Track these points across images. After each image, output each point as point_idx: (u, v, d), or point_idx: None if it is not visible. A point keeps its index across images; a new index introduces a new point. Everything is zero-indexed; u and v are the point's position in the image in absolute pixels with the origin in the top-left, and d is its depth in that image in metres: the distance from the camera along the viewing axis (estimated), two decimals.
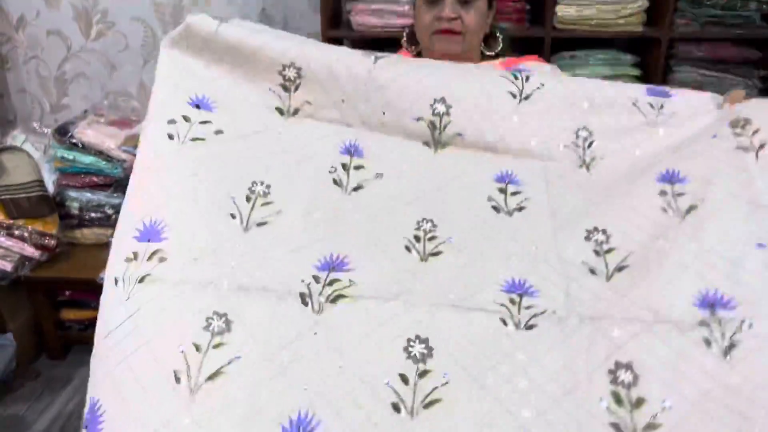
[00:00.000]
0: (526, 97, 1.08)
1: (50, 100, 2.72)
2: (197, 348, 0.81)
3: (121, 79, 2.66)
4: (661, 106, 1.09)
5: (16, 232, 2.23)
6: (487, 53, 1.38)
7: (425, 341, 0.83)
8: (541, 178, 1.05)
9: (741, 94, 1.10)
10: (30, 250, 2.24)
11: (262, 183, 0.99)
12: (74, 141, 2.30)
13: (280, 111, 1.08)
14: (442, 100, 1.07)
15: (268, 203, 0.98)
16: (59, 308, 2.35)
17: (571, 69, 2.15)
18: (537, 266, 0.93)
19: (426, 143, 1.07)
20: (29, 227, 2.24)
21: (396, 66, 1.10)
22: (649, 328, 0.84)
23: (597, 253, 0.94)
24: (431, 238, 0.95)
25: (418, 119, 1.07)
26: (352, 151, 1.05)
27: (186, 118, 1.03)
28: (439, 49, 1.31)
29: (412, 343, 0.83)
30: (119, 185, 2.33)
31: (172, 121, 1.02)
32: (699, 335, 0.83)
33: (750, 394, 0.78)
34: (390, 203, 1.00)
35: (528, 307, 0.87)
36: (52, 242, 2.27)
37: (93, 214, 2.38)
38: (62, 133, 2.34)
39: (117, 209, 2.37)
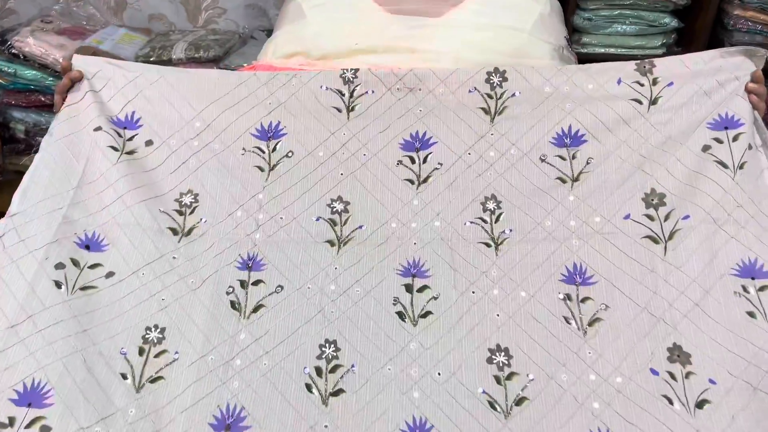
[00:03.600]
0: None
1: None
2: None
3: None
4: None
5: None
6: None
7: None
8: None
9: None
10: None
11: (156, 328, 0.94)
12: (14, 51, 1.98)
13: (174, 231, 1.02)
14: (339, 199, 1.04)
15: (162, 352, 0.92)
16: None
17: None
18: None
19: (329, 242, 1.02)
20: None
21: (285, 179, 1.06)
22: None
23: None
24: (334, 368, 0.91)
25: (318, 219, 1.04)
26: (250, 264, 1.00)
27: (74, 262, 0.97)
28: None
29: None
30: None
31: (60, 265, 0.95)
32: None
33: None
34: (292, 326, 0.95)
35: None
36: None
37: (41, 139, 2.07)
38: (1, 42, 2.01)
39: None
